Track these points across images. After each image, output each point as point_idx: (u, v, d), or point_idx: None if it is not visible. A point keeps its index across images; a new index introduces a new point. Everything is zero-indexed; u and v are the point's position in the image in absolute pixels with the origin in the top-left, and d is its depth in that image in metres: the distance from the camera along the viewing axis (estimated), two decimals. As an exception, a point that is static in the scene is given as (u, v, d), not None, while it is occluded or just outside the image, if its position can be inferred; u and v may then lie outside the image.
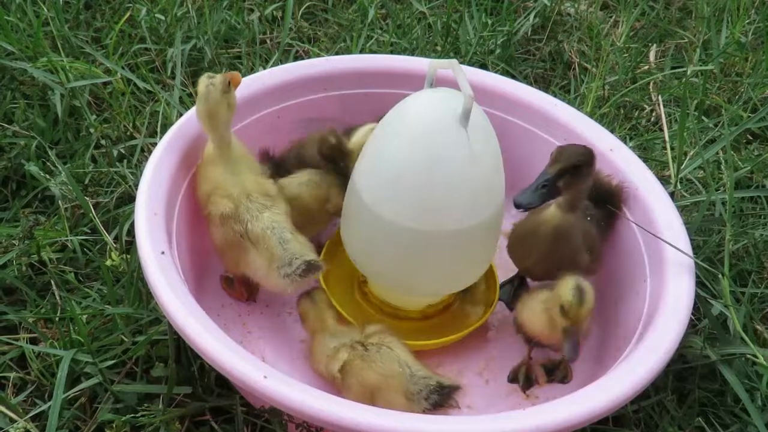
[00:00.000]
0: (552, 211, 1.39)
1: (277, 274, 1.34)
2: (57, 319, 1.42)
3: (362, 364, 1.26)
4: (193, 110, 1.52)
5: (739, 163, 1.91)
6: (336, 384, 1.30)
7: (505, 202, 1.38)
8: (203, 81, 1.41)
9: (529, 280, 1.55)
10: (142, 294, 1.44)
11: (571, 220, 1.38)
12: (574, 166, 1.33)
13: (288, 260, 1.33)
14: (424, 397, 1.23)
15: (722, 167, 1.87)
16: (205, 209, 1.42)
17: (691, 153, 1.83)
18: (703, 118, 2.04)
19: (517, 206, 1.34)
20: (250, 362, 1.12)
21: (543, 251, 1.40)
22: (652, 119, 2.11)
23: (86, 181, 1.70)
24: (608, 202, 1.52)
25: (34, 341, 1.43)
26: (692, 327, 1.48)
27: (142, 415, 1.28)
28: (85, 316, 1.42)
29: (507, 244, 1.49)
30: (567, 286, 1.24)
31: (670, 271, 1.35)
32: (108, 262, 1.49)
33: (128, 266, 1.47)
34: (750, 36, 2.36)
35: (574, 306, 1.22)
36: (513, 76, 2.07)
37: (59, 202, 1.63)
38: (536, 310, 1.32)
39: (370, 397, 1.25)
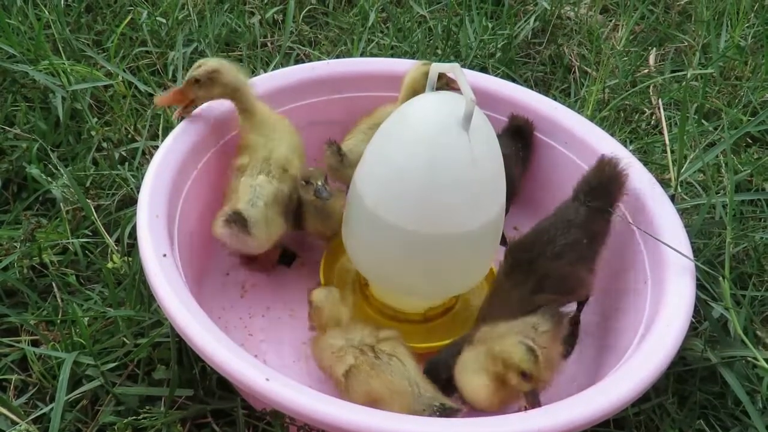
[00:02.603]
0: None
1: (219, 223, 1.42)
2: (58, 321, 1.42)
3: (371, 371, 1.25)
4: (194, 111, 1.52)
5: (739, 166, 1.91)
6: (338, 384, 1.29)
7: (506, 205, 1.38)
8: None
9: None
10: (144, 296, 1.44)
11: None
12: None
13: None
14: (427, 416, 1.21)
15: (722, 170, 1.88)
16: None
17: (692, 156, 1.83)
18: (703, 121, 2.04)
19: None
20: (252, 365, 1.12)
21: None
22: (653, 122, 2.11)
23: (87, 184, 1.70)
24: (608, 193, 1.46)
25: (35, 343, 1.43)
26: (693, 329, 1.48)
27: (144, 418, 1.28)
28: (86, 319, 1.42)
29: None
30: (517, 353, 1.19)
31: (671, 274, 1.35)
32: (109, 265, 1.49)
33: (130, 269, 1.47)
34: (749, 39, 2.37)
35: (533, 366, 1.19)
36: (513, 80, 2.08)
37: (60, 204, 1.63)
38: (479, 376, 1.25)
39: (372, 403, 1.23)
